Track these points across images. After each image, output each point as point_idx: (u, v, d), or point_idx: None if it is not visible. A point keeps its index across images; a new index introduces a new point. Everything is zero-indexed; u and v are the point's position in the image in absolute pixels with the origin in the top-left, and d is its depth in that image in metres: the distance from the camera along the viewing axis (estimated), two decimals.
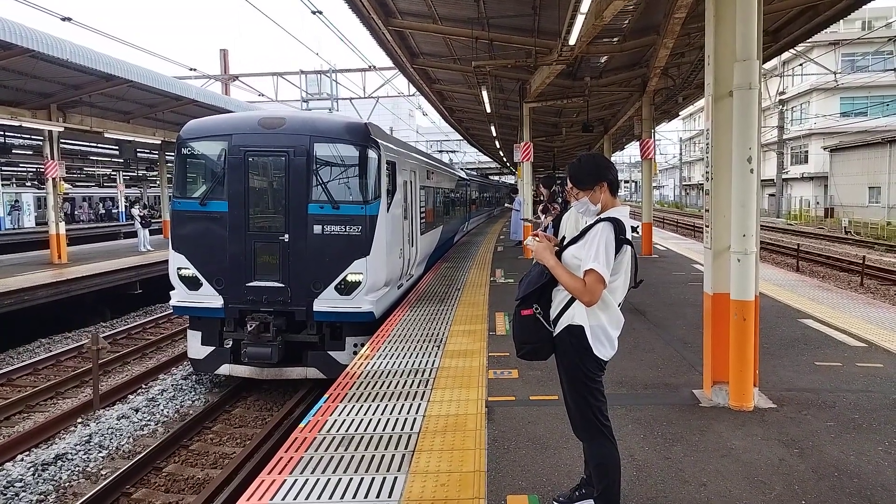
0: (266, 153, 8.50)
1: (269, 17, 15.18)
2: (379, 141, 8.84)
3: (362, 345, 7.74)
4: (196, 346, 8.80)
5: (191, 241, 8.59)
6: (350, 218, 8.29)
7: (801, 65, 42.68)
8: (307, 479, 4.02)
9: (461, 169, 30.16)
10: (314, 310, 8.27)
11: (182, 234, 8.68)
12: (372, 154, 8.57)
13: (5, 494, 6.26)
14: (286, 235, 8.30)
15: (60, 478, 6.66)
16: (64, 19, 13.42)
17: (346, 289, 8.29)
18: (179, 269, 8.62)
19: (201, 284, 8.49)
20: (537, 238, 3.32)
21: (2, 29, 11.20)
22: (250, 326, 8.11)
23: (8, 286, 13.27)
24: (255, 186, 8.55)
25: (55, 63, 13.00)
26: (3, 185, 36.54)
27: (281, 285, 8.28)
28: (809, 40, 16.67)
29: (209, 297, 8.45)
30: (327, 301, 8.28)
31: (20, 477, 6.57)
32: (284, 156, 8.35)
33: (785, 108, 48.18)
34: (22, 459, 7.06)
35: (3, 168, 35.44)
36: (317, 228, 8.26)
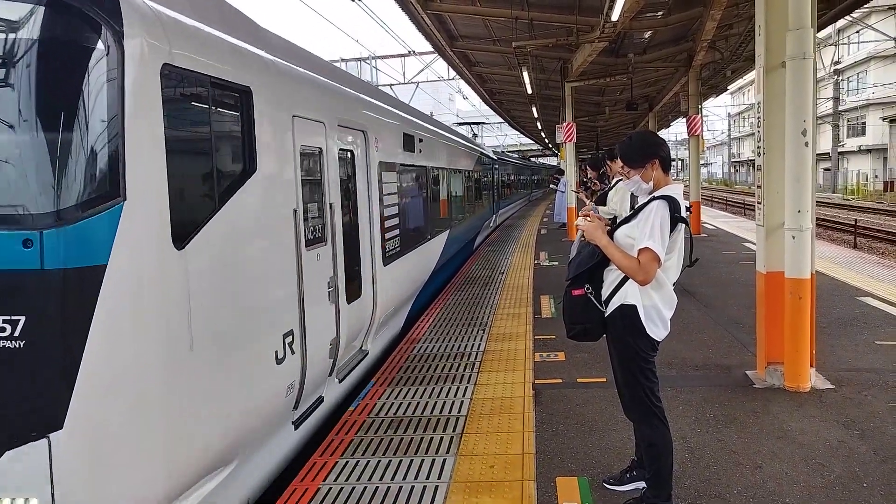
0: None
1: (309, 6, 15.30)
2: (147, 4, 2.81)
3: None
4: None
5: None
6: None
7: (857, 32, 40.77)
8: (358, 461, 4.09)
9: (491, 150, 23.34)
10: None
11: None
12: (99, 41, 2.55)
13: None
14: None
15: None
16: None
17: None
18: None
19: None
20: (588, 217, 3.27)
21: None
22: None
23: None
24: None
25: None
26: None
27: None
28: (867, 5, 15.93)
29: None
30: None
31: None
32: None
33: (840, 78, 46.18)
34: None
35: None
36: None
